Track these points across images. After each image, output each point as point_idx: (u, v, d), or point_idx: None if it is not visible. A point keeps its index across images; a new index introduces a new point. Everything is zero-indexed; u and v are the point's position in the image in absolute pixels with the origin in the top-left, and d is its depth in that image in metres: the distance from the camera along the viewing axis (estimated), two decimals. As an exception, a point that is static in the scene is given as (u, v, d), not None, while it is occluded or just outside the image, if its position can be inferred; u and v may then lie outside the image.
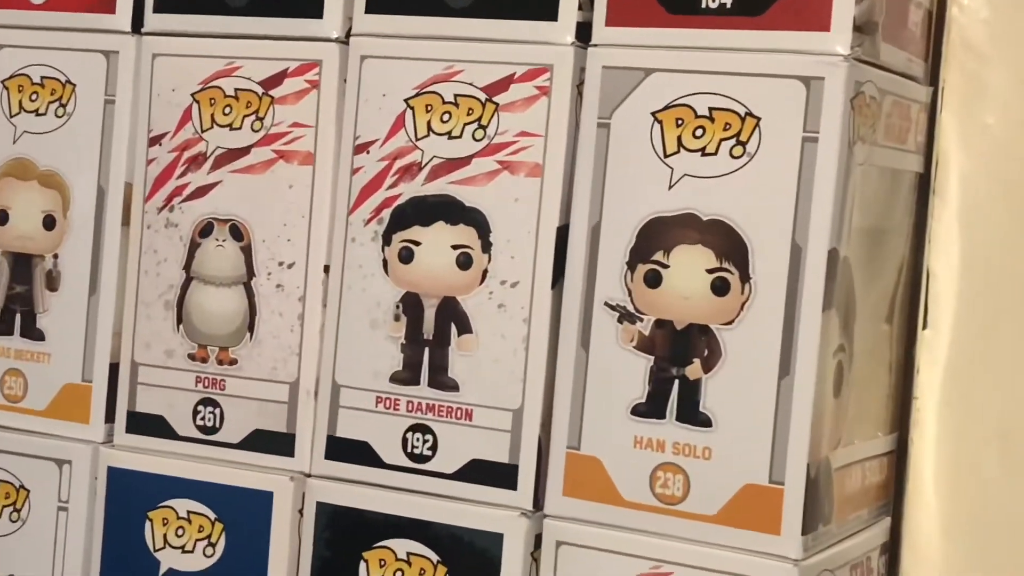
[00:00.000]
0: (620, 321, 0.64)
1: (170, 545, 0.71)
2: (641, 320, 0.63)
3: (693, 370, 0.62)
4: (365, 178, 0.68)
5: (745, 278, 0.62)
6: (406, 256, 0.67)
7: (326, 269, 0.69)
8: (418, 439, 0.67)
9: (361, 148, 0.68)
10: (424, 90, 0.67)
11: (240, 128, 0.71)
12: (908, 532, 0.70)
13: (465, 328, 0.66)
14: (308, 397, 0.70)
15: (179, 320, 0.72)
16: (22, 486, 0.75)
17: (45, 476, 0.74)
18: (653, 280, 0.63)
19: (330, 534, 0.69)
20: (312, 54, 0.69)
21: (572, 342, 0.64)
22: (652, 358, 0.63)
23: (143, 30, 0.73)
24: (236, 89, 0.71)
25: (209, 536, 0.71)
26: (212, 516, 0.71)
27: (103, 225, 0.74)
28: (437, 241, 0.67)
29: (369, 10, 0.68)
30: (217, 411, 0.71)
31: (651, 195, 0.63)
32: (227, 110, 0.71)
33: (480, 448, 0.66)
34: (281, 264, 0.70)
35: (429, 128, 0.67)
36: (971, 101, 0.69)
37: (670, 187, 0.63)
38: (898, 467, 0.71)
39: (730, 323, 0.62)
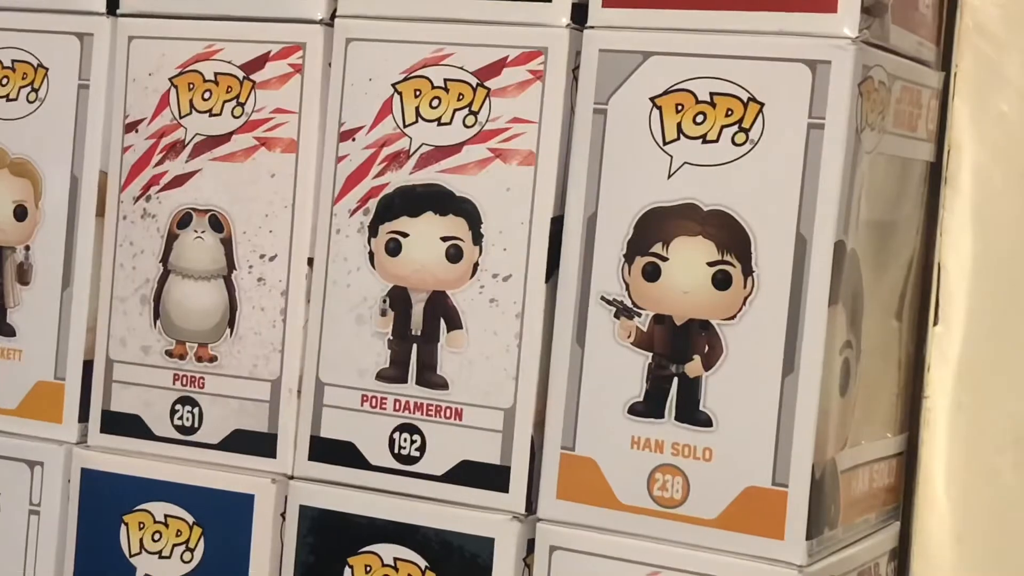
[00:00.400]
0: (617, 316, 0.63)
1: (146, 550, 0.71)
2: (639, 315, 0.63)
3: (693, 367, 0.62)
4: (351, 167, 0.68)
5: (748, 271, 0.62)
6: (393, 248, 0.67)
7: (310, 262, 0.69)
8: (406, 440, 0.67)
9: (346, 135, 0.68)
10: (412, 74, 0.67)
11: (220, 114, 0.70)
12: (918, 537, 0.70)
13: (455, 324, 0.66)
14: (291, 396, 0.69)
15: (156, 315, 0.72)
16: (-8, 488, 0.75)
17: (16, 478, 0.74)
18: (652, 273, 0.63)
19: (314, 539, 0.68)
20: (295, 36, 0.69)
21: (567, 338, 0.64)
22: (650, 355, 0.63)
23: (119, 11, 0.73)
24: (216, 73, 0.70)
25: (187, 541, 0.71)
26: (190, 520, 0.71)
27: (77, 216, 0.73)
28: (426, 233, 0.67)
29: (355, -9, 0.68)
30: (196, 410, 0.71)
31: (649, 184, 0.63)
32: (206, 95, 0.71)
33: (470, 449, 0.66)
34: (263, 257, 0.70)
35: (418, 114, 0.67)
36: (985, 87, 0.69)
37: (669, 176, 0.63)
38: (907, 469, 0.71)
39: (732, 318, 0.62)
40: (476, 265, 0.66)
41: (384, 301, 0.67)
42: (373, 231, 0.68)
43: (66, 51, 0.73)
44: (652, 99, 0.63)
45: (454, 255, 0.66)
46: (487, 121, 0.66)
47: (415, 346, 0.67)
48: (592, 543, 0.64)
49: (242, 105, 0.70)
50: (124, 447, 0.72)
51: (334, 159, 0.68)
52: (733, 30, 0.62)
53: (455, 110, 0.66)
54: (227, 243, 0.70)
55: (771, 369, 0.61)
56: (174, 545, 0.71)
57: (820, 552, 0.62)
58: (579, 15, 0.65)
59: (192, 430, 0.71)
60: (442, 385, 0.66)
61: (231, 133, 0.70)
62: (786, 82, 0.61)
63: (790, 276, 0.61)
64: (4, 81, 0.75)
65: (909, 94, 0.67)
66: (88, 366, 0.73)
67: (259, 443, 0.70)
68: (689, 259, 0.62)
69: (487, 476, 0.66)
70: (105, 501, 0.72)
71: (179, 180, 0.71)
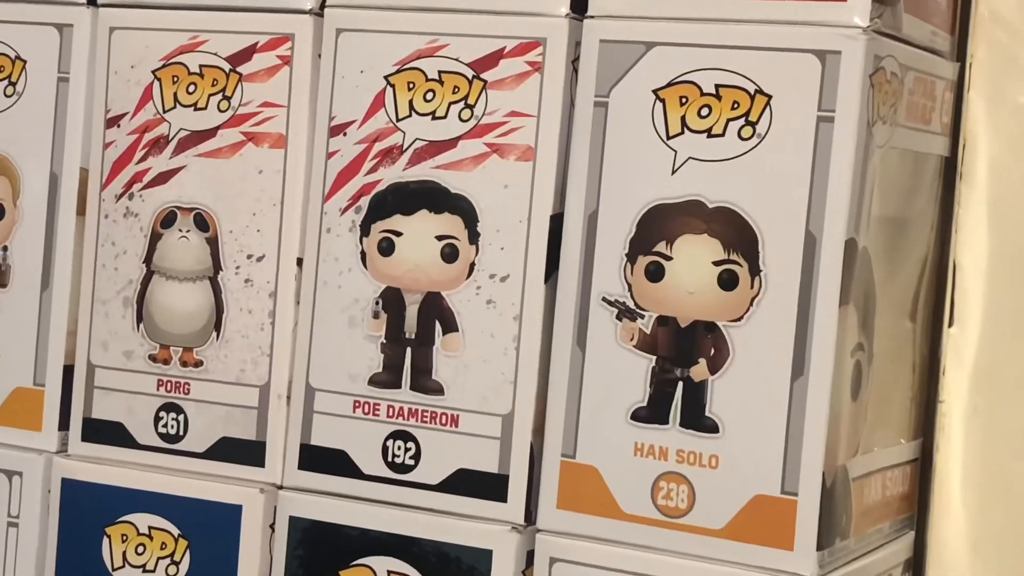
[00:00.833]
0: (619, 318, 0.63)
1: (130, 564, 0.71)
2: (642, 317, 0.63)
3: (698, 371, 0.62)
4: (342, 163, 0.68)
5: (755, 271, 0.62)
6: (386, 248, 0.67)
7: (299, 262, 0.69)
8: (399, 447, 0.67)
9: (337, 130, 0.68)
10: (406, 66, 0.67)
11: (205, 108, 0.70)
12: (933, 547, 0.70)
13: (450, 326, 0.66)
14: (280, 402, 0.69)
15: (139, 318, 0.72)
16: (-31, 499, 0.75)
17: (-7, 488, 0.74)
18: (655, 273, 0.63)
19: (304, 551, 0.68)
20: (284, 27, 0.69)
21: (567, 341, 0.64)
22: (654, 358, 0.63)
23: (99, 1, 0.73)
24: (201, 65, 0.71)
25: (172, 554, 0.71)
26: (176, 532, 0.71)
27: (56, 214, 0.73)
28: (420, 231, 0.67)
29: (345, -20, 0.68)
30: (181, 417, 0.71)
31: (652, 180, 0.63)
32: (191, 88, 0.71)
33: (467, 457, 0.66)
34: (250, 257, 0.70)
35: (411, 108, 0.67)
36: (1001, 78, 0.69)
37: (673, 172, 0.63)
38: (922, 476, 0.71)
39: (739, 320, 0.62)
40: (472, 265, 0.66)
41: (377, 303, 0.67)
42: (365, 230, 0.68)
43: (45, 43, 0.73)
44: (655, 91, 0.63)
45: (449, 255, 0.66)
46: (483, 115, 0.66)
47: (409, 350, 0.67)
48: (594, 555, 0.64)
49: (228, 99, 0.70)
50: (106, 456, 0.72)
51: (324, 155, 0.68)
52: (739, 19, 0.62)
53: (450, 103, 0.66)
54: (213, 243, 0.70)
55: (779, 372, 0.61)
56: (159, 558, 0.71)
57: (831, 563, 0.62)
58: (579, 4, 0.65)
59: (177, 438, 0.71)
60: (437, 390, 0.66)
61: (217, 128, 0.70)
62: (795, 73, 0.61)
63: (799, 275, 0.61)
64: (-20, 75, 0.75)
65: (922, 85, 0.67)
66: (68, 371, 0.73)
67: (247, 451, 0.70)
68: (694, 258, 0.62)
69: (484, 485, 0.66)
70: (86, 512, 0.72)
71: (163, 177, 0.71)
